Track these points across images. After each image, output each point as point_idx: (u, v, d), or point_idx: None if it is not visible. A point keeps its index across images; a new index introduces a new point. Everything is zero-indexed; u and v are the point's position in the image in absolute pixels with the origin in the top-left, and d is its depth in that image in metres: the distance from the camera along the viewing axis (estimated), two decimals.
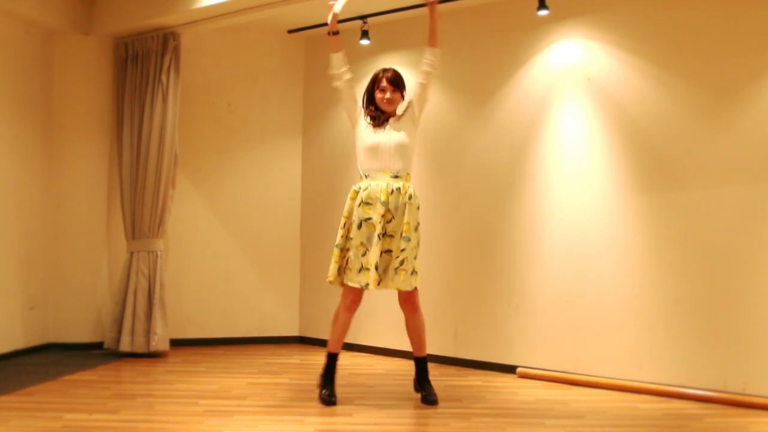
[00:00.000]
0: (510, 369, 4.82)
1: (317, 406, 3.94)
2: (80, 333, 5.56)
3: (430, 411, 3.88)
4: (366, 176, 3.99)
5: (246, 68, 5.93)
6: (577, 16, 4.73)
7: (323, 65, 5.90)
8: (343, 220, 3.98)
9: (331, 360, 4.07)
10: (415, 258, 3.90)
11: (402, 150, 3.98)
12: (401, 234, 3.89)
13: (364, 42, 5.42)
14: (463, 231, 5.13)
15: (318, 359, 5.31)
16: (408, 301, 4.01)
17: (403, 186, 3.93)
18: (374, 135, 3.99)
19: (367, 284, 3.86)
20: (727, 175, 4.17)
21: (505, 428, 3.56)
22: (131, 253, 5.38)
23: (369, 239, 3.88)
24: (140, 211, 5.38)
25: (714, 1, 4.26)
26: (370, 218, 3.89)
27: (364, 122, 4.06)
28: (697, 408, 3.98)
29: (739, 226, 4.13)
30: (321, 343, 5.80)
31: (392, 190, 3.91)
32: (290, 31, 5.89)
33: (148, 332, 5.27)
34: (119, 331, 5.32)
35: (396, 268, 3.88)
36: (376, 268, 3.85)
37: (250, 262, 5.90)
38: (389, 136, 3.99)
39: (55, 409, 3.80)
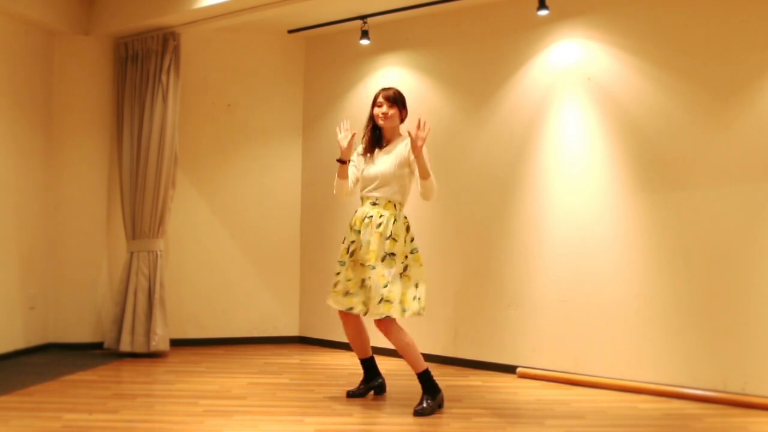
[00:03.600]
0: (510, 369, 4.82)
1: (317, 406, 3.94)
2: (80, 333, 5.56)
3: None
4: (362, 202, 4.06)
5: (246, 68, 5.93)
6: (577, 16, 4.73)
7: (323, 65, 5.93)
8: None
9: (361, 364, 4.26)
10: (384, 287, 3.80)
11: (385, 179, 3.96)
12: (368, 263, 3.87)
13: (364, 42, 5.42)
14: (463, 231, 5.13)
15: (318, 359, 5.33)
16: (379, 329, 3.93)
17: (377, 214, 3.91)
18: (368, 164, 4.04)
19: (350, 308, 3.96)
20: (728, 175, 4.17)
21: (505, 428, 3.57)
22: (131, 253, 5.38)
23: (355, 264, 3.98)
24: (140, 211, 5.38)
25: (714, 1, 4.26)
26: (354, 241, 3.98)
27: (359, 158, 4.11)
28: (697, 408, 3.98)
29: (739, 227, 4.13)
30: (321, 343, 5.81)
31: (365, 218, 3.93)
32: (290, 31, 5.89)
33: (148, 332, 5.27)
34: (119, 331, 5.32)
35: (369, 297, 3.87)
36: (348, 293, 3.98)
37: (250, 262, 5.90)
38: (378, 165, 4.00)
39: (55, 409, 3.80)
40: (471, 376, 4.78)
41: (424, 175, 3.87)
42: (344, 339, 5.57)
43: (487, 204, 5.03)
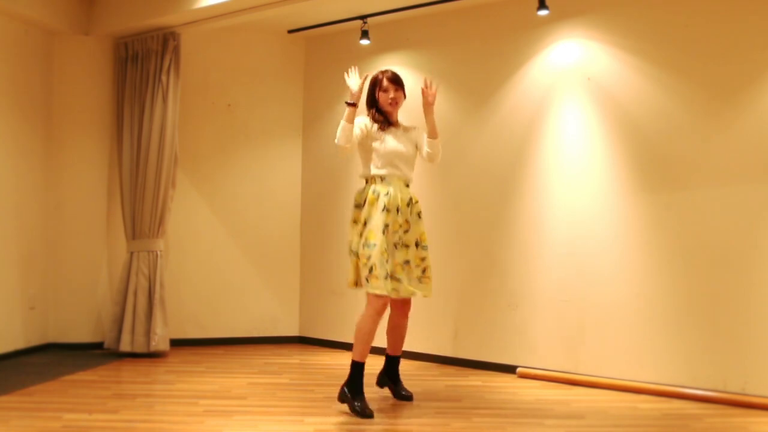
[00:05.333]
0: (510, 369, 4.82)
1: (317, 406, 3.94)
2: (80, 333, 5.56)
3: (429, 411, 3.88)
4: (382, 179, 3.88)
5: (246, 68, 5.93)
6: (577, 16, 4.73)
7: (323, 65, 5.93)
8: (358, 226, 3.85)
9: (360, 370, 3.80)
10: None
11: (413, 160, 4.01)
12: (417, 243, 3.90)
13: (364, 42, 5.42)
14: (464, 231, 5.13)
15: (318, 359, 5.32)
16: (407, 306, 4.05)
17: (413, 197, 3.94)
18: (392, 140, 3.92)
19: (391, 291, 3.77)
20: (727, 175, 4.16)
21: (505, 428, 3.56)
22: (131, 253, 5.38)
23: (388, 246, 3.81)
24: (140, 211, 5.38)
25: (714, 1, 4.26)
26: (388, 224, 3.79)
27: (374, 129, 3.94)
28: (697, 408, 3.98)
29: (739, 227, 4.12)
30: (321, 343, 5.81)
31: (408, 201, 3.90)
32: (290, 31, 5.89)
33: (148, 332, 5.27)
34: (119, 331, 5.32)
35: (419, 277, 3.90)
36: (393, 276, 3.84)
37: (250, 262, 5.90)
38: (404, 144, 3.95)
39: (55, 409, 3.80)
40: (471, 376, 4.78)
41: (435, 134, 4.01)
42: (344, 339, 5.62)
43: (487, 204, 5.03)
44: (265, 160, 5.96)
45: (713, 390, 4.11)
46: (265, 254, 5.93)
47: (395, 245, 3.84)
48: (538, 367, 4.73)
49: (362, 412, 3.71)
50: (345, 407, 3.82)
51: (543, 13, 4.68)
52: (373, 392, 4.22)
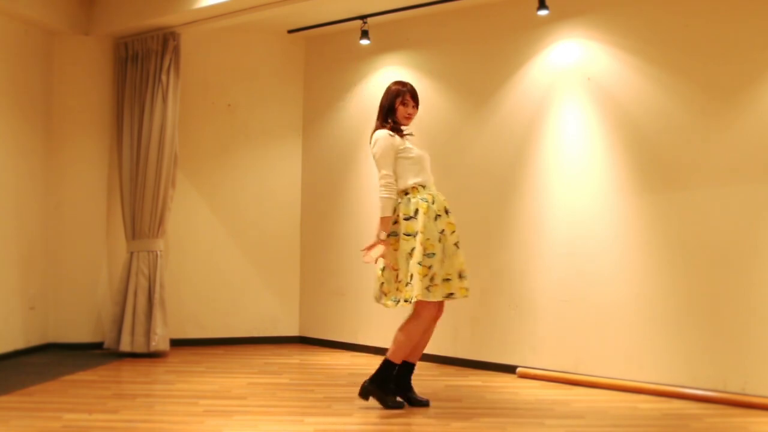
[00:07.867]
0: (510, 369, 4.82)
1: (317, 406, 3.94)
2: (80, 333, 5.56)
3: (429, 411, 3.88)
4: (423, 187, 3.90)
5: (246, 68, 5.93)
6: (577, 16, 4.73)
7: (323, 65, 5.93)
8: (419, 237, 3.77)
9: (393, 370, 3.90)
10: None
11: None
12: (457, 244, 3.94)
13: (364, 42, 5.42)
14: (463, 230, 5.09)
15: (318, 359, 5.32)
16: (443, 308, 4.03)
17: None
18: (415, 147, 3.96)
19: (452, 293, 3.84)
20: (727, 175, 4.16)
21: (505, 428, 3.56)
22: (131, 253, 5.38)
23: (444, 250, 3.84)
24: (140, 211, 5.38)
25: (714, 2, 4.26)
26: (443, 230, 3.86)
27: (397, 139, 3.92)
28: (697, 408, 3.98)
29: (739, 227, 4.12)
30: (321, 343, 5.81)
31: (445, 206, 3.95)
32: (290, 31, 5.89)
33: (148, 332, 5.27)
34: (119, 331, 5.32)
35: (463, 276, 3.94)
36: (462, 276, 3.89)
37: (250, 262, 5.90)
38: (424, 151, 4.01)
39: (55, 409, 3.80)
40: (471, 376, 4.78)
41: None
42: (344, 339, 5.64)
43: (487, 204, 5.03)
44: (265, 160, 5.96)
45: (713, 390, 4.11)
46: (265, 254, 5.93)
47: (456, 245, 3.89)
48: (538, 367, 4.73)
49: (395, 405, 3.86)
50: (364, 403, 3.89)
51: (543, 13, 4.68)
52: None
